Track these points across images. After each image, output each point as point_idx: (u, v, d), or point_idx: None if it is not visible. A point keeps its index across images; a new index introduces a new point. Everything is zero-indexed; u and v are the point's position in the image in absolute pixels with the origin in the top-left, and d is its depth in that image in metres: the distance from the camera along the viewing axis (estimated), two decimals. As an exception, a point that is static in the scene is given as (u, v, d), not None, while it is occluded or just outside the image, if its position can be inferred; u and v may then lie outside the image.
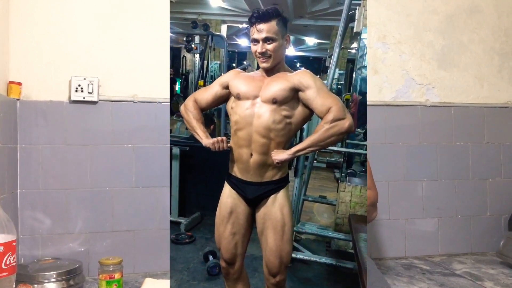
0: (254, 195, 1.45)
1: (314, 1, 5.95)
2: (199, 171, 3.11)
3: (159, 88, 2.13)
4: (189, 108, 1.55)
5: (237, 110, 1.44)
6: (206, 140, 1.46)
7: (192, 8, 6.54)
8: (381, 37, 2.40)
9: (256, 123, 1.40)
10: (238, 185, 1.47)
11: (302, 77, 1.41)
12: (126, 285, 1.86)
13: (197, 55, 6.19)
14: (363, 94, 3.77)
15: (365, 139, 4.24)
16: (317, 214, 3.34)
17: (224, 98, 1.55)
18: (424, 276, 2.07)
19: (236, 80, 1.49)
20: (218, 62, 6.75)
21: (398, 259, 2.36)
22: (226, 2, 6.42)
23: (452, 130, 2.47)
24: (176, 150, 2.86)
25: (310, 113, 1.44)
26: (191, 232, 2.72)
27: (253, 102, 1.41)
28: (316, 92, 1.38)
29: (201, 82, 6.19)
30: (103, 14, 2.07)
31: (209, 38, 5.37)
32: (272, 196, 1.45)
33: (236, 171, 1.48)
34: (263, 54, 1.39)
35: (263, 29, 1.37)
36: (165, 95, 2.13)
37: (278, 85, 1.40)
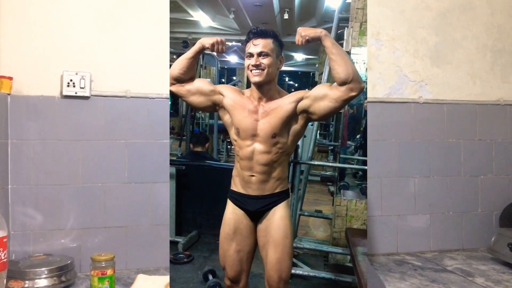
0: (256, 208, 1.47)
1: (302, 20, 6.12)
2: (194, 190, 3.13)
3: (152, 83, 2.12)
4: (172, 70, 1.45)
5: (238, 144, 1.46)
6: (204, 39, 1.42)
7: (183, 28, 6.64)
8: (375, 34, 2.40)
9: (257, 158, 1.44)
10: (240, 199, 1.48)
11: (295, 93, 1.44)
12: (119, 281, 1.86)
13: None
14: (353, 107, 3.95)
15: (355, 151, 4.31)
16: (313, 228, 3.33)
17: (205, 96, 1.48)
18: (416, 272, 2.09)
19: (233, 102, 1.45)
20: (209, 79, 6.81)
21: (390, 255, 2.38)
22: (216, 21, 6.51)
23: (444, 127, 2.49)
24: (172, 169, 2.83)
25: (301, 131, 1.46)
26: (189, 251, 2.70)
27: (252, 140, 1.43)
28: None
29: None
30: (95, 9, 2.05)
31: (200, 57, 5.37)
32: (273, 209, 1.47)
33: (238, 186, 1.49)
34: (257, 66, 1.39)
35: (259, 44, 1.40)
36: (159, 90, 2.12)
37: (274, 118, 1.41)
